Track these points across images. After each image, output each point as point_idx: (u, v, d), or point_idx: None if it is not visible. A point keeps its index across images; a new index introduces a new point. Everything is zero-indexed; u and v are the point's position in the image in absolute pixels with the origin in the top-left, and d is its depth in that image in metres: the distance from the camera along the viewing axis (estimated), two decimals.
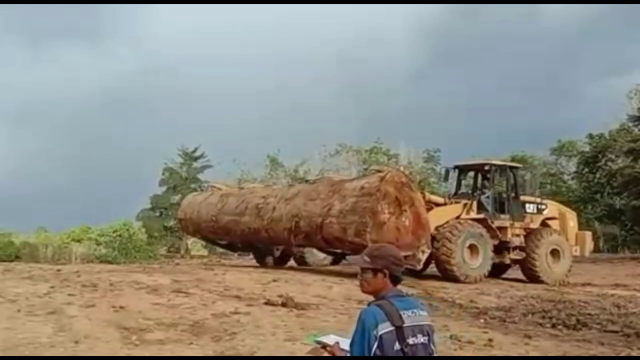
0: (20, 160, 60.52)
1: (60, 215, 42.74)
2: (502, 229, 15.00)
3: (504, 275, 15.75)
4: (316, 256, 17.06)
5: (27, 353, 5.95)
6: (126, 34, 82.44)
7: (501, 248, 14.90)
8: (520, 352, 6.94)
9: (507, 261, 15.18)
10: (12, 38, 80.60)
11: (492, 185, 15.81)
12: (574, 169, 37.84)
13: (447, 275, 13.72)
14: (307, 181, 21.58)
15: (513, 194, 15.65)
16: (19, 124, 71.99)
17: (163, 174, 36.34)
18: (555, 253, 15.39)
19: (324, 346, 3.15)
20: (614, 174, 30.96)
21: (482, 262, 14.06)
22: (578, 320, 8.99)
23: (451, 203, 15.02)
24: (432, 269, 14.58)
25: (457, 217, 14.35)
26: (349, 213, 12.45)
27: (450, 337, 7.22)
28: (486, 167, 15.98)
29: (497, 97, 67.08)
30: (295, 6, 63.83)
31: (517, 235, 15.25)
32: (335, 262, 17.29)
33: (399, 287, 3.01)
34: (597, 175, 33.52)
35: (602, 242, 33.90)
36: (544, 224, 15.92)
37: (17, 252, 22.27)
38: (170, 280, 10.78)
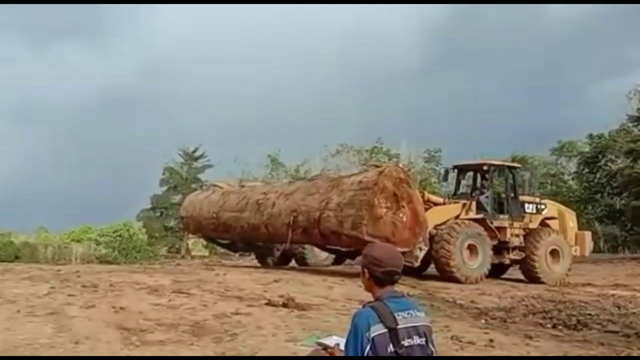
0: (20, 160, 60.55)
1: (60, 215, 42.82)
2: (501, 229, 14.98)
3: (505, 276, 15.74)
4: (317, 256, 17.05)
5: (26, 354, 5.94)
6: (127, 33, 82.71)
7: (500, 248, 14.89)
8: (521, 352, 6.94)
9: (507, 261, 15.17)
10: (13, 37, 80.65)
11: (490, 185, 15.83)
12: (574, 169, 37.83)
13: (447, 277, 13.71)
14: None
15: (512, 194, 15.62)
16: (19, 123, 72.05)
17: (163, 173, 36.25)
18: (554, 253, 15.36)
19: (325, 347, 3.16)
20: (614, 174, 30.91)
21: (481, 262, 14.05)
22: (579, 321, 8.99)
23: (450, 203, 15.03)
24: (433, 269, 14.58)
25: (456, 217, 14.35)
26: (346, 206, 12.42)
27: (452, 337, 7.22)
28: (485, 167, 15.97)
29: (498, 97, 67.19)
30: (296, 6, 63.94)
31: (516, 236, 15.24)
32: (336, 262, 17.29)
33: (398, 288, 2.97)
34: (597, 176, 33.46)
35: (603, 243, 33.90)
36: (543, 224, 15.89)
37: (17, 253, 22.18)
38: (170, 281, 10.77)
